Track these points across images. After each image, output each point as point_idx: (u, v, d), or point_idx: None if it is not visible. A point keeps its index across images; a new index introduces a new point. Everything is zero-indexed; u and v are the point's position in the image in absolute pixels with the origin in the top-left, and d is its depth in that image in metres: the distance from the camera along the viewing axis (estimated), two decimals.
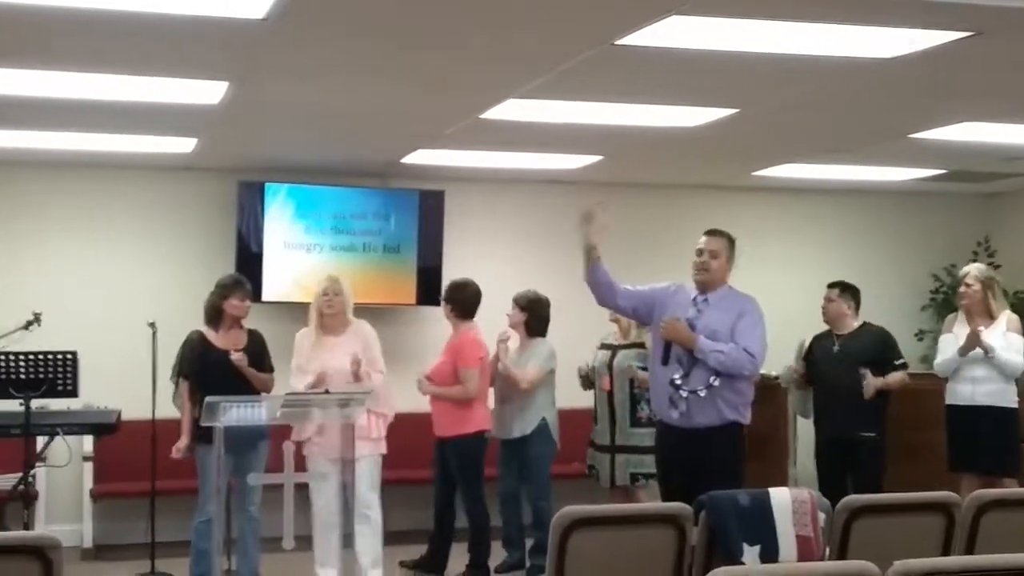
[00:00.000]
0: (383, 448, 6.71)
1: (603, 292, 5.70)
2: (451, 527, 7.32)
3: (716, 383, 5.47)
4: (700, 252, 5.69)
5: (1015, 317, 7.11)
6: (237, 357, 6.40)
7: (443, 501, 7.30)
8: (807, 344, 7.41)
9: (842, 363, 7.13)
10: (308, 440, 6.49)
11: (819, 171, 8.77)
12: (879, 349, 7.17)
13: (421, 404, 7.30)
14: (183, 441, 6.41)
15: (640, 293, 5.76)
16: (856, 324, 7.28)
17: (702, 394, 5.46)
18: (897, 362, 7.16)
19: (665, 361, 5.54)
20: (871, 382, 7.04)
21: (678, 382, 5.48)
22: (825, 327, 7.37)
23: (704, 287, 5.64)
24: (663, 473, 5.82)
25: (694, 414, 5.49)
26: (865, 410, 7.04)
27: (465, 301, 7.22)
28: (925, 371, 9.21)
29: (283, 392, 6.44)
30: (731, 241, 5.78)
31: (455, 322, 7.22)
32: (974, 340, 6.86)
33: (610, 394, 7.18)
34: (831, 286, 7.38)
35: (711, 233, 5.78)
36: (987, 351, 6.84)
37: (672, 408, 5.52)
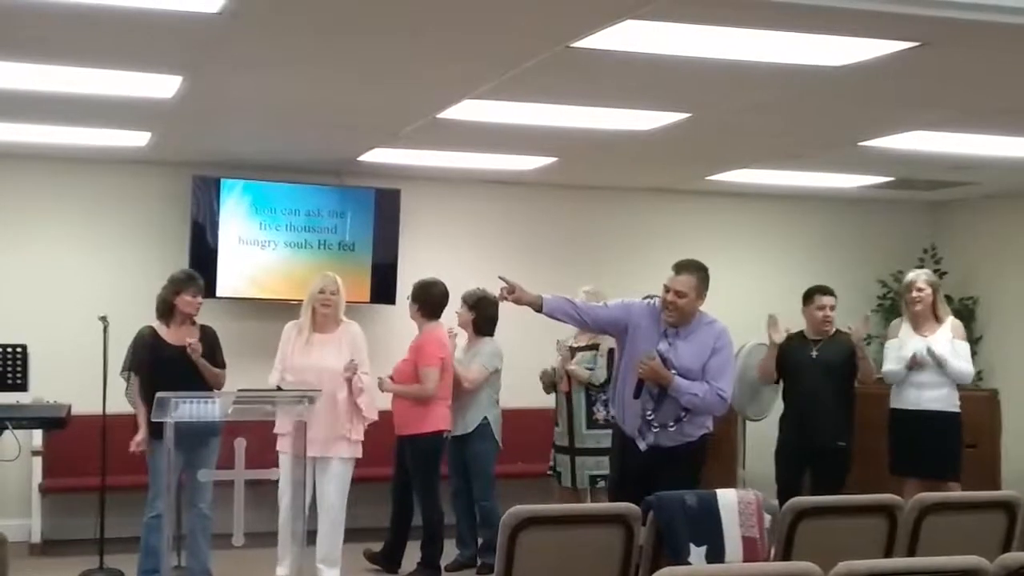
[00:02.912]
0: (359, 452, 6.74)
1: (564, 321, 5.77)
2: (408, 525, 7.34)
3: (685, 417, 5.55)
4: (667, 290, 5.55)
5: (959, 323, 7.23)
6: (193, 344, 6.38)
7: (401, 498, 7.32)
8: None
9: (819, 370, 7.07)
10: (284, 435, 6.53)
11: (770, 177, 8.86)
12: (853, 356, 7.10)
13: (383, 402, 7.32)
14: (140, 435, 6.38)
15: (610, 313, 5.69)
16: (833, 331, 7.22)
17: (671, 429, 5.55)
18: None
19: (637, 395, 5.55)
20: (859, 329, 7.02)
21: (649, 416, 5.53)
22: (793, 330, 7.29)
23: (673, 323, 5.58)
24: (619, 478, 5.82)
25: (662, 441, 5.57)
26: (840, 419, 7.01)
27: (432, 301, 7.23)
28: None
29: (253, 385, 6.44)
30: (701, 275, 5.59)
31: (420, 321, 7.23)
32: (918, 361, 6.95)
33: (568, 396, 7.24)
34: (828, 293, 7.20)
35: (679, 270, 5.57)
36: (941, 364, 6.92)
37: (641, 438, 5.58)
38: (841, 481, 6.95)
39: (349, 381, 6.60)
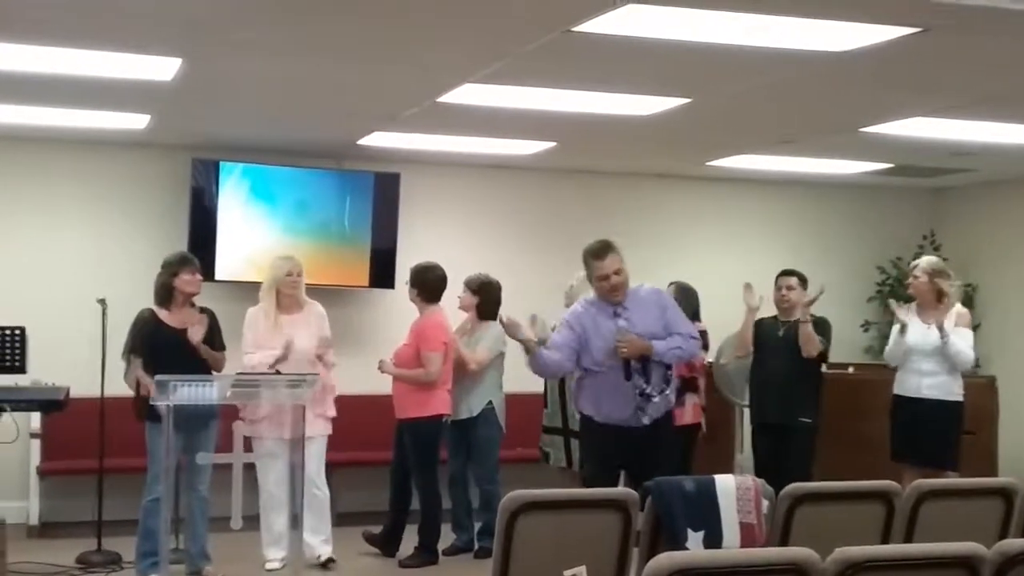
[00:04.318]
0: (331, 428, 6.81)
1: (554, 373, 6.12)
2: (406, 508, 7.36)
3: (671, 373, 5.83)
4: (604, 277, 5.73)
5: (964, 311, 7.14)
6: (195, 334, 6.38)
7: (400, 482, 7.34)
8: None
9: (784, 348, 7.16)
10: (257, 419, 6.54)
11: (771, 163, 8.85)
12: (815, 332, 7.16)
13: (377, 386, 7.33)
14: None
15: (573, 340, 5.81)
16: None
17: (668, 393, 5.82)
18: (819, 338, 7.14)
19: (629, 376, 5.71)
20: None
21: (648, 390, 5.71)
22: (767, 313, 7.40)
23: (619, 300, 5.80)
24: (623, 464, 5.91)
25: (659, 411, 5.79)
26: (800, 396, 7.11)
27: (430, 284, 7.24)
28: (871, 361, 9.36)
29: (235, 370, 6.46)
30: (616, 249, 5.83)
31: (420, 306, 7.24)
32: (903, 320, 6.98)
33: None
34: (789, 274, 7.37)
35: (601, 254, 5.76)
36: (942, 333, 6.88)
37: (642, 414, 5.74)
38: (805, 458, 6.97)
39: (321, 357, 6.64)
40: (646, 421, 5.75)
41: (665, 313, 5.87)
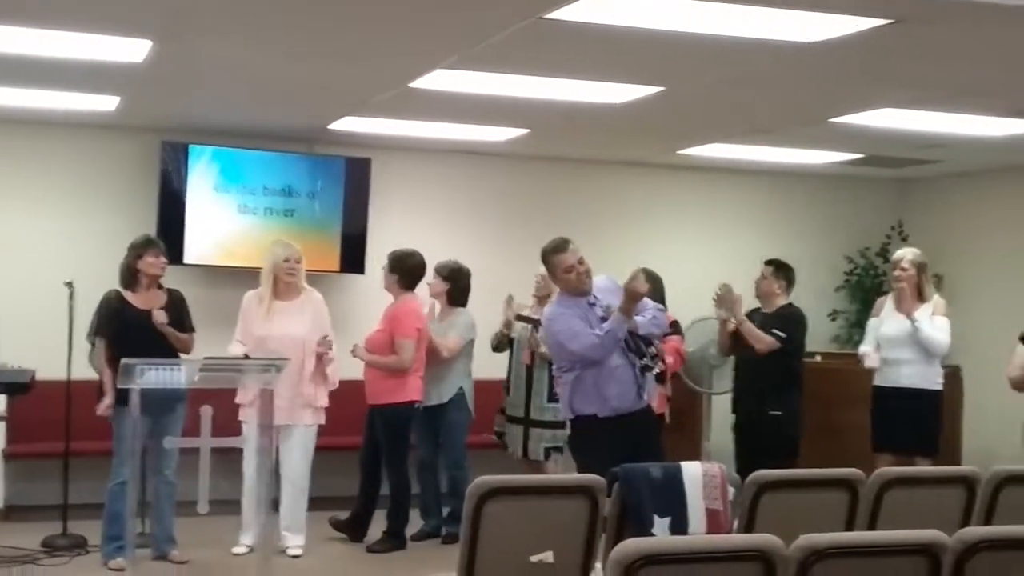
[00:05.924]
0: (322, 418, 6.80)
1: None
2: (376, 494, 7.36)
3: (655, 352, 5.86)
4: (571, 269, 5.67)
5: (942, 301, 7.16)
6: (159, 316, 6.36)
7: (370, 468, 7.33)
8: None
9: None
10: (244, 404, 6.54)
11: (741, 152, 8.88)
12: (776, 324, 7.20)
13: (351, 372, 7.31)
14: (108, 399, 6.34)
15: (588, 330, 5.73)
16: (782, 303, 7.33)
17: (656, 371, 5.87)
18: (775, 330, 7.16)
19: (631, 348, 5.67)
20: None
21: (648, 363, 5.73)
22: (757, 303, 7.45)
23: (589, 288, 5.74)
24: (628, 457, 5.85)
25: (651, 388, 5.82)
26: (770, 388, 7.12)
27: (410, 271, 7.23)
28: (838, 351, 9.42)
29: (205, 353, 6.43)
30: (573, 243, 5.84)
31: (397, 292, 7.22)
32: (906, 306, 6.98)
33: (529, 368, 7.27)
34: (767, 263, 7.41)
35: (564, 247, 5.71)
36: (912, 321, 6.92)
37: (642, 390, 5.72)
38: (782, 452, 6.96)
39: (321, 356, 6.64)
40: (645, 399, 5.72)
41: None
